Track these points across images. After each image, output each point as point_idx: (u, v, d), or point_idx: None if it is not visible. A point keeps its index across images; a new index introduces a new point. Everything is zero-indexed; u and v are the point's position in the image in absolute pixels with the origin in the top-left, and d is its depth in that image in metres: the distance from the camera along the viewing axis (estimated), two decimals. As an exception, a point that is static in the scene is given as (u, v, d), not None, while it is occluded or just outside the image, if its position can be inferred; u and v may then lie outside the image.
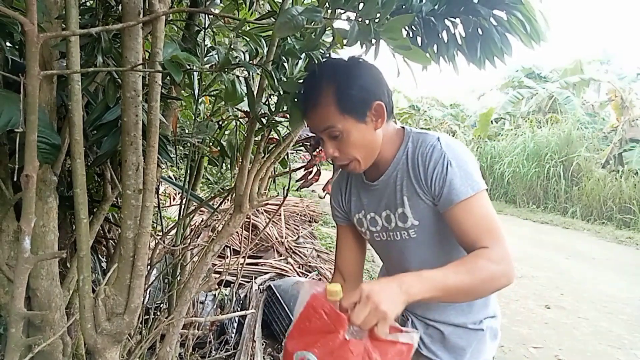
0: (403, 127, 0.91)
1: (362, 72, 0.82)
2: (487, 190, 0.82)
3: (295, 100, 0.91)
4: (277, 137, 1.27)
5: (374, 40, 0.78)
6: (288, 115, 0.91)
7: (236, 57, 1.10)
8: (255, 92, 1.09)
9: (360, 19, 0.67)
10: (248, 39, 1.03)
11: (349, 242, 1.04)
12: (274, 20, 0.96)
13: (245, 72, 1.28)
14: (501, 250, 0.74)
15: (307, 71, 0.89)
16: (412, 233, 0.88)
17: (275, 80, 0.94)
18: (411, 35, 0.93)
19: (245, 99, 1.32)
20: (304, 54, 0.91)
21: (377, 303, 0.62)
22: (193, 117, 1.47)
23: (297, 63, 1.00)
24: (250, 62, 1.00)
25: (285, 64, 1.00)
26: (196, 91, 1.28)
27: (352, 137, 0.81)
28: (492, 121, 11.07)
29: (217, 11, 1.39)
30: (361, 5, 0.69)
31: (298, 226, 4.57)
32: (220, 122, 1.59)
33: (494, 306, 0.96)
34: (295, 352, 0.70)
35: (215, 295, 2.27)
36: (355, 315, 0.63)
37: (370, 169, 0.92)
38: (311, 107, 0.83)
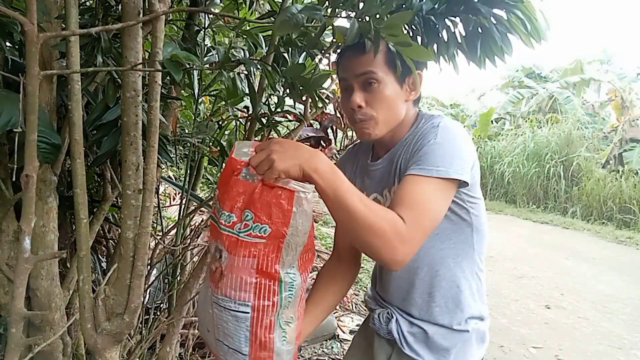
0: (419, 110, 0.90)
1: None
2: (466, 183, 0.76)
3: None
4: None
5: (373, 38, 0.78)
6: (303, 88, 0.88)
7: (236, 56, 1.10)
8: (256, 91, 1.09)
9: (360, 17, 0.67)
10: (248, 38, 1.03)
11: None
12: (274, 19, 0.96)
13: (246, 71, 1.28)
14: (408, 233, 0.69)
15: None
16: None
17: (278, 72, 0.93)
18: (411, 34, 0.93)
19: (245, 98, 1.32)
20: (304, 53, 0.91)
21: (273, 152, 0.64)
22: (193, 117, 1.47)
23: (298, 60, 1.00)
24: (250, 58, 0.99)
25: (286, 55, 1.00)
26: (196, 91, 1.28)
27: (386, 92, 0.79)
28: (492, 121, 11.07)
29: (217, 11, 1.40)
30: (361, 4, 0.69)
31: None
32: (220, 122, 1.59)
33: (481, 308, 0.93)
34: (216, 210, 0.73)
35: (215, 295, 2.26)
36: (253, 157, 0.66)
37: (381, 149, 0.91)
38: (357, 50, 0.78)
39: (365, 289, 3.30)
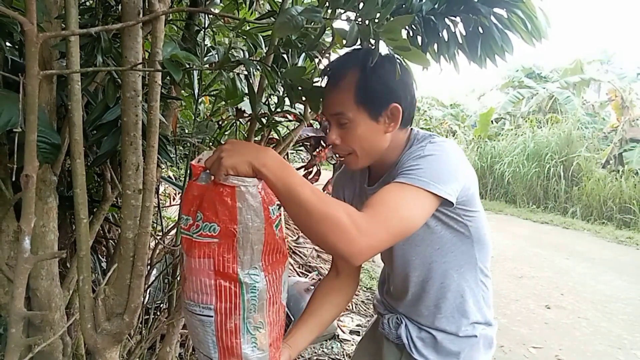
0: (411, 131, 0.88)
1: (391, 69, 0.77)
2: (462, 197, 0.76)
3: (319, 78, 0.89)
4: (277, 137, 1.27)
5: (373, 41, 0.78)
6: (305, 98, 0.89)
7: (236, 56, 1.10)
8: (255, 91, 1.09)
9: (359, 19, 0.67)
10: (247, 39, 1.03)
11: None
12: (273, 20, 0.96)
13: (246, 71, 1.28)
14: (368, 224, 0.64)
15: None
16: None
17: (277, 73, 0.93)
18: (411, 34, 0.93)
19: (245, 98, 1.32)
20: (303, 53, 0.91)
21: (223, 151, 0.66)
22: (193, 117, 1.47)
23: (298, 61, 1.00)
24: (250, 59, 0.99)
25: (286, 57, 1.00)
26: (196, 91, 1.28)
27: (359, 131, 0.79)
28: (492, 121, 11.07)
29: (216, 11, 1.39)
30: (361, 5, 0.69)
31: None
32: (220, 122, 1.59)
33: (487, 314, 0.94)
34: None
35: (215, 295, 2.26)
36: (207, 159, 0.68)
37: (374, 172, 0.91)
38: (330, 87, 0.81)
39: (365, 289, 3.30)
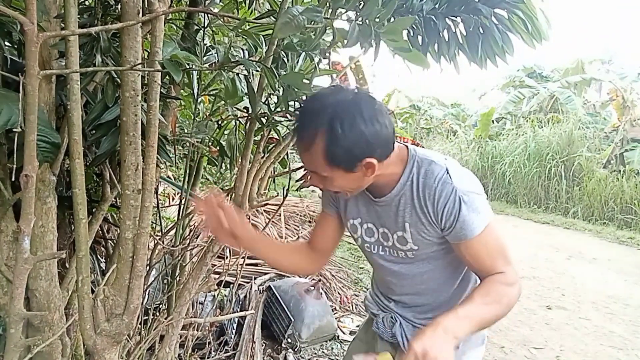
0: (407, 147, 0.87)
1: (357, 121, 0.72)
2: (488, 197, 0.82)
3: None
4: (276, 137, 1.27)
5: (374, 42, 0.77)
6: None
7: (235, 56, 1.10)
8: (255, 91, 1.08)
9: (360, 20, 0.67)
10: (247, 38, 1.03)
11: (328, 229, 1.01)
12: (273, 19, 0.96)
13: (245, 71, 1.28)
14: (513, 271, 0.81)
15: (303, 103, 0.84)
16: (409, 254, 0.89)
17: (276, 76, 0.93)
18: (412, 34, 0.93)
19: (245, 98, 1.32)
20: (303, 53, 0.90)
21: (436, 357, 0.67)
22: (192, 117, 1.47)
23: (298, 60, 1.00)
24: (250, 59, 0.99)
25: (285, 60, 1.00)
26: (195, 91, 1.28)
27: (337, 182, 0.79)
28: (493, 121, 11.04)
29: (216, 10, 1.39)
30: (362, 5, 0.68)
31: (298, 226, 4.56)
32: (220, 122, 1.59)
33: None
34: None
35: (214, 295, 2.26)
36: None
37: (374, 188, 0.88)
38: (301, 149, 0.79)
39: (365, 290, 3.30)
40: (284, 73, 0.95)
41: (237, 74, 1.29)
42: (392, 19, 0.67)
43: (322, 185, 0.83)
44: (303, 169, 1.47)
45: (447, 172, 0.80)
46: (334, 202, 0.99)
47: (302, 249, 1.05)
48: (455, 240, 0.82)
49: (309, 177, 0.84)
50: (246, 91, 1.09)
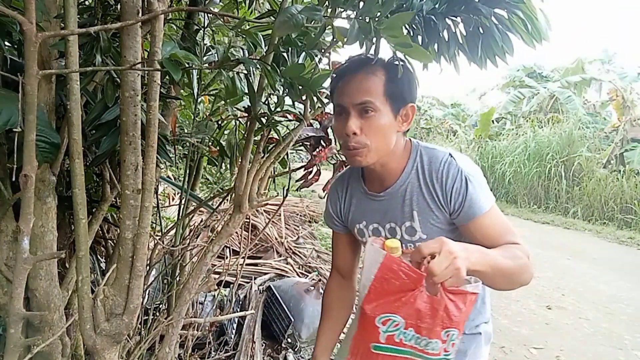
0: (410, 140, 0.91)
1: (409, 74, 0.84)
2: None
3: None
4: (276, 137, 1.27)
5: (374, 39, 0.77)
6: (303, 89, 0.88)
7: (235, 55, 1.10)
8: (255, 91, 1.08)
9: (360, 17, 0.67)
10: (247, 38, 1.03)
11: (344, 246, 1.05)
12: (273, 19, 0.96)
13: (245, 70, 1.27)
14: (525, 247, 0.82)
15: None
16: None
17: (278, 71, 0.92)
18: (412, 34, 0.93)
19: (245, 98, 1.32)
20: (303, 53, 0.90)
21: (455, 256, 0.64)
22: (192, 117, 1.47)
23: (298, 60, 0.99)
24: (250, 57, 0.99)
25: (285, 55, 0.99)
26: (195, 90, 1.28)
27: (381, 122, 0.80)
28: (493, 121, 11.06)
29: (216, 10, 1.39)
30: (361, 4, 0.68)
31: (298, 226, 4.57)
32: (220, 122, 1.59)
33: (487, 311, 0.99)
34: (377, 316, 0.69)
35: (214, 295, 2.27)
36: (437, 266, 0.63)
37: (374, 180, 0.91)
38: (360, 75, 0.81)
39: (365, 289, 3.29)
40: (286, 68, 0.94)
41: (238, 73, 1.28)
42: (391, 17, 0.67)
43: (359, 130, 0.80)
44: (303, 168, 1.47)
45: (451, 156, 0.84)
46: (337, 218, 1.01)
47: (338, 294, 1.07)
48: (465, 220, 0.83)
49: (343, 124, 0.82)
50: (246, 91, 1.09)
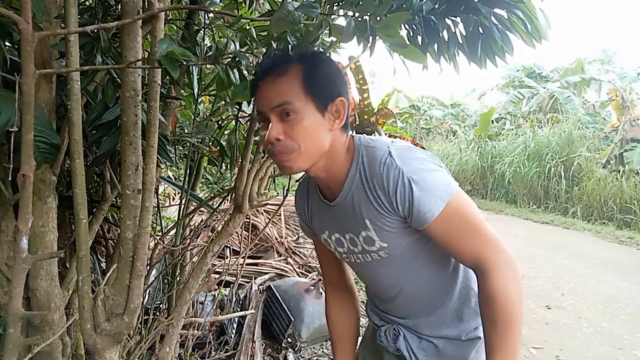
0: (353, 138, 0.81)
1: (331, 64, 0.76)
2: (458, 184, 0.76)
3: (247, 71, 0.85)
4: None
5: (370, 38, 0.77)
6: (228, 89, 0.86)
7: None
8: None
9: (356, 16, 0.67)
10: (244, 35, 1.02)
11: (327, 254, 0.98)
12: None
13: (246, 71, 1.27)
14: (495, 250, 0.72)
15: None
16: (382, 254, 0.81)
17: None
18: (411, 34, 0.93)
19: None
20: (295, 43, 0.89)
21: None
22: (192, 117, 1.47)
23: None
24: (241, 51, 0.99)
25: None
26: (196, 91, 1.28)
27: (305, 122, 0.71)
28: (492, 121, 11.05)
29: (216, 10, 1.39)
30: (359, 2, 0.68)
31: (298, 226, 4.57)
32: (220, 122, 1.59)
33: None
34: None
35: (214, 295, 2.27)
36: None
37: (324, 187, 0.84)
38: (274, 76, 0.72)
39: (364, 289, 3.30)
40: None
41: (239, 71, 1.28)
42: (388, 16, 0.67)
43: (282, 135, 0.72)
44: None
45: (390, 155, 0.74)
46: (308, 227, 0.96)
47: (338, 308, 1.04)
48: (419, 226, 0.74)
49: (266, 132, 0.73)
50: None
